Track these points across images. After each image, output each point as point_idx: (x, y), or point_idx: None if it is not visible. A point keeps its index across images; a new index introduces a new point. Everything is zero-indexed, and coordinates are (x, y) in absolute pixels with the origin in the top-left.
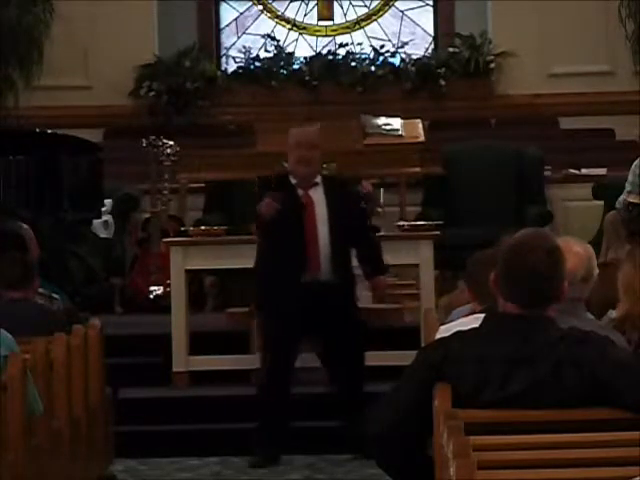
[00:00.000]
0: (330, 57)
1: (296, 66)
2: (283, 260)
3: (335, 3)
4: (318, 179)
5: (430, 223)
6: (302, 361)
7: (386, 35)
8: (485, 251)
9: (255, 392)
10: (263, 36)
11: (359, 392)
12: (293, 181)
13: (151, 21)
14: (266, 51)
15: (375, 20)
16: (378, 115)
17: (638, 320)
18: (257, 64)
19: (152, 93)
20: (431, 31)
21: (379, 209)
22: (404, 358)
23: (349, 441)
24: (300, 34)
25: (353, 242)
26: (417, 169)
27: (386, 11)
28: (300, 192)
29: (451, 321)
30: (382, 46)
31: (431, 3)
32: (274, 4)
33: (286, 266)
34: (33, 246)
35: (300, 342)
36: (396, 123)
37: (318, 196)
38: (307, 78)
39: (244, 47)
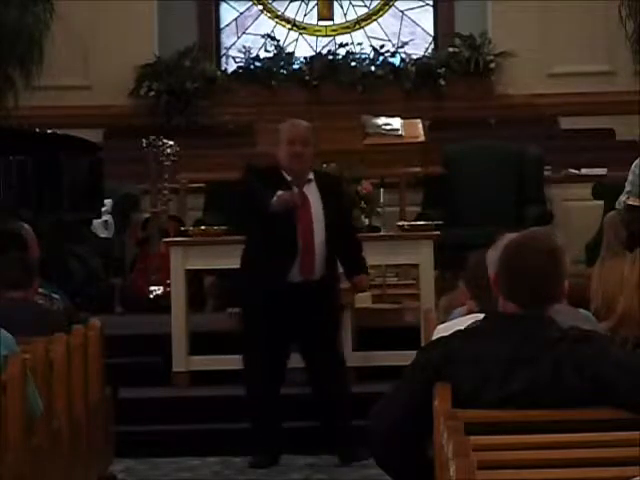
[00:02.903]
0: (330, 57)
1: (296, 66)
2: (275, 260)
3: (335, 3)
4: (311, 175)
5: (430, 223)
6: (301, 361)
7: (386, 35)
8: (486, 250)
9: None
10: (263, 36)
11: (343, 394)
12: (288, 177)
13: (151, 21)
14: (266, 51)
15: (375, 20)
16: (378, 115)
17: (636, 319)
18: (257, 64)
19: (152, 93)
20: (431, 31)
21: (379, 209)
22: (404, 358)
23: (330, 442)
24: (300, 34)
25: (340, 240)
26: (417, 169)
27: (386, 11)
28: (295, 189)
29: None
30: (382, 46)
31: (431, 3)
32: (274, 4)
33: (278, 266)
34: (33, 246)
35: (289, 342)
36: (396, 123)
37: (312, 193)
38: (307, 78)
39: (244, 47)
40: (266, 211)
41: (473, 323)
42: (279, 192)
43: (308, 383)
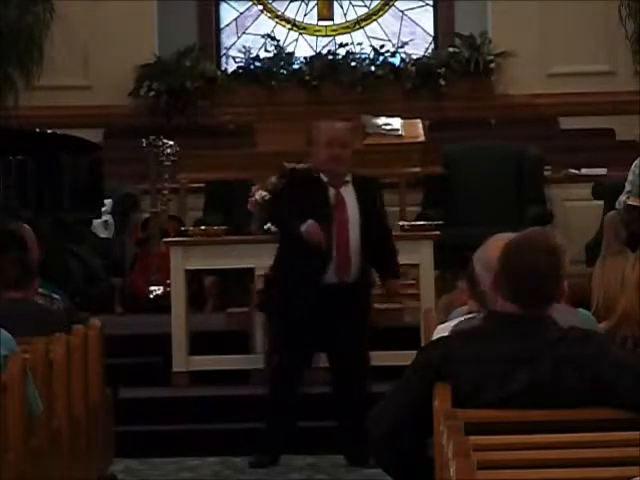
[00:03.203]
0: (330, 57)
1: (296, 66)
2: (310, 261)
3: (335, 3)
4: (348, 177)
5: (430, 223)
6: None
7: (386, 35)
8: None
9: (262, 392)
10: (263, 36)
11: (362, 395)
12: (324, 179)
13: (151, 21)
14: (266, 51)
15: (375, 20)
16: (378, 115)
17: (636, 319)
18: (257, 64)
19: (152, 93)
20: (431, 31)
21: None
22: (404, 358)
23: (343, 444)
24: (300, 34)
25: (375, 243)
26: (417, 169)
27: (386, 11)
28: (332, 191)
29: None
30: (382, 46)
31: (431, 3)
32: (274, 4)
33: (313, 267)
34: (33, 246)
35: (317, 343)
36: (396, 123)
37: (349, 195)
38: (307, 78)
39: (244, 47)
40: (294, 235)
41: (463, 322)
42: (310, 221)
43: (331, 383)
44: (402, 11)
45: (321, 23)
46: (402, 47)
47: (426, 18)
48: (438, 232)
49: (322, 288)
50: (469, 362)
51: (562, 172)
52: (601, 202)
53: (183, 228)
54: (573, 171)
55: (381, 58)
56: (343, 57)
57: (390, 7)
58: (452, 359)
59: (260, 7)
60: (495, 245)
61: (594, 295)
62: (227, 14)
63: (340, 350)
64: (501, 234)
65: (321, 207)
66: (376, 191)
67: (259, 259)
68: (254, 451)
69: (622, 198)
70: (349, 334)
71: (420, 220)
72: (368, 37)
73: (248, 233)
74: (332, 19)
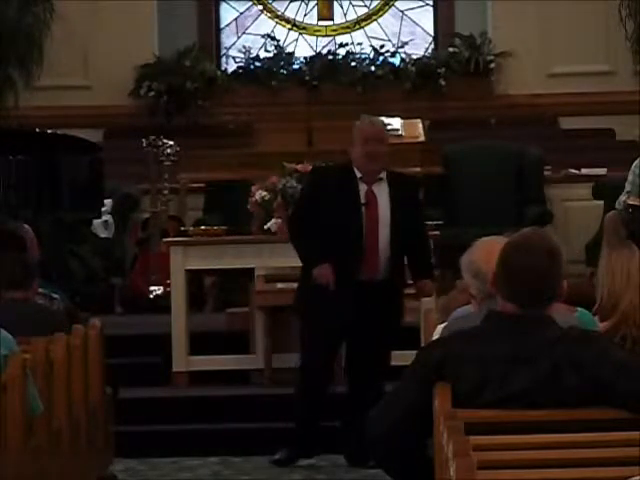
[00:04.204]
0: (330, 57)
1: (296, 66)
2: (340, 259)
3: (335, 3)
4: (383, 174)
5: (430, 223)
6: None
7: (386, 35)
8: None
9: (262, 392)
10: (263, 36)
11: (376, 395)
12: (358, 174)
13: (151, 21)
14: (266, 51)
15: (375, 20)
16: (378, 115)
17: (635, 318)
18: (257, 64)
19: (152, 93)
20: (431, 31)
21: None
22: (404, 358)
23: (343, 444)
24: (300, 34)
25: (409, 243)
26: (417, 169)
27: (386, 11)
28: (364, 187)
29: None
30: (382, 46)
31: (431, 3)
32: (274, 4)
33: (343, 265)
34: (33, 246)
35: (343, 340)
36: (396, 123)
37: (382, 193)
38: (307, 78)
39: (244, 47)
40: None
41: (450, 324)
42: (324, 265)
43: (347, 380)
44: (402, 11)
45: (321, 23)
46: (402, 47)
47: (426, 18)
48: (438, 232)
49: (353, 285)
50: (469, 362)
51: (562, 172)
52: (601, 202)
53: (183, 228)
54: (573, 171)
55: (381, 58)
56: (343, 57)
57: (390, 7)
58: (452, 359)
59: (260, 7)
60: (479, 249)
61: (599, 290)
62: (227, 14)
63: (363, 349)
64: (486, 238)
65: (351, 204)
66: (414, 190)
67: (259, 259)
68: (255, 451)
69: (622, 198)
70: (374, 333)
71: None
72: (368, 37)
73: (248, 233)
74: (332, 19)
